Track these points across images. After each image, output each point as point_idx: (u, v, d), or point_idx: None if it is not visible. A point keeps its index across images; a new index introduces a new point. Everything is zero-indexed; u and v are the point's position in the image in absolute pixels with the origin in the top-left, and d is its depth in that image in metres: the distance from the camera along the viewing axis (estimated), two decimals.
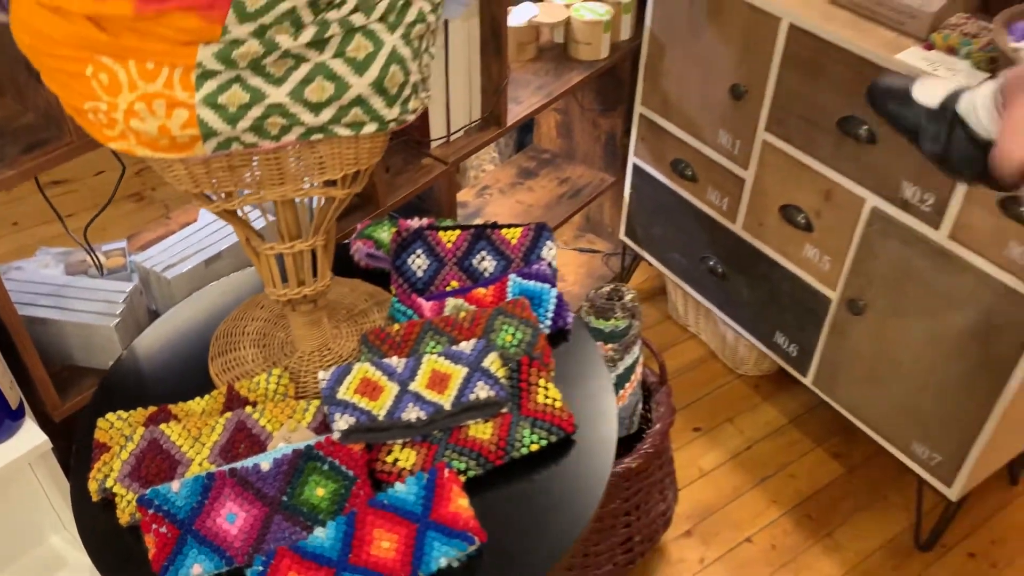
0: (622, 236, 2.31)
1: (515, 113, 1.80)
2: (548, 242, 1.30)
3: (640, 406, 1.73)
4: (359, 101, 0.85)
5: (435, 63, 1.60)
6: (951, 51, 1.46)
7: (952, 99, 0.88)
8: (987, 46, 1.43)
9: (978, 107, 0.86)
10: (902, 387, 1.70)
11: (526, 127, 2.47)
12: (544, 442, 1.04)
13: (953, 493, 1.70)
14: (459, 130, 1.71)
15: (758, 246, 1.89)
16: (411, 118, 0.91)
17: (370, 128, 0.87)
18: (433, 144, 1.69)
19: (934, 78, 0.89)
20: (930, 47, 1.48)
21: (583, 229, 2.59)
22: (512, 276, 1.23)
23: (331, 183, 0.94)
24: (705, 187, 1.96)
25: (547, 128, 2.39)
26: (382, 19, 0.84)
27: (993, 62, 1.41)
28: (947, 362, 1.59)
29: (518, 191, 2.28)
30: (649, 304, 2.44)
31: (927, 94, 0.90)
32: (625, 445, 1.69)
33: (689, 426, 2.10)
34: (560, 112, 2.31)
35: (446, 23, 1.56)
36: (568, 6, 1.96)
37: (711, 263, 2.03)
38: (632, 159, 2.15)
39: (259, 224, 1.50)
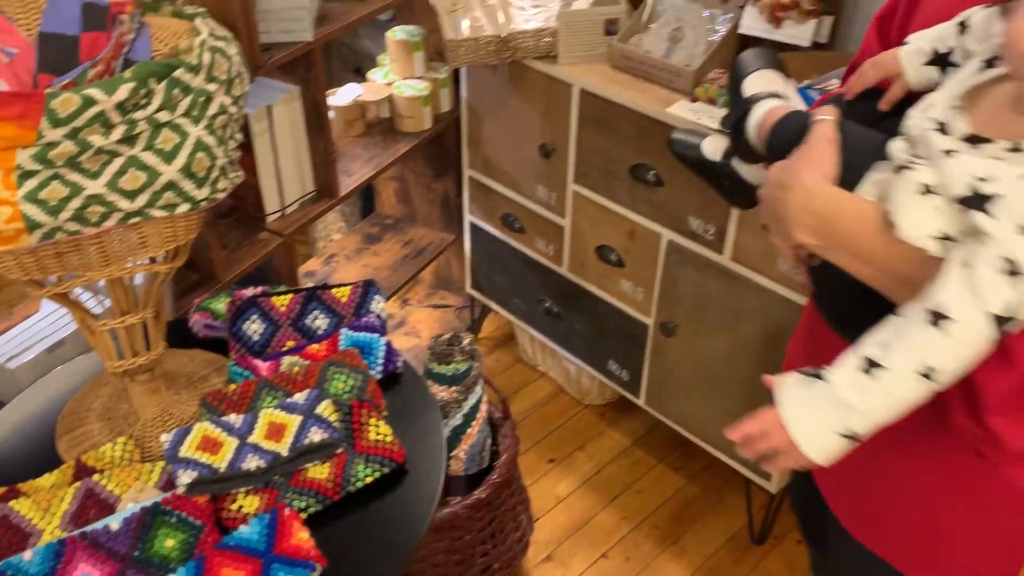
0: (468, 289, 2.48)
1: (347, 184, 1.94)
2: (376, 296, 1.43)
3: (488, 441, 1.87)
4: (171, 186, 0.97)
5: (263, 144, 1.73)
6: (711, 102, 1.70)
7: (758, 97, 1.06)
8: None
9: (758, 112, 1.03)
10: (717, 396, 1.91)
11: (369, 196, 2.62)
12: (377, 474, 1.16)
13: (773, 486, 1.91)
14: (293, 203, 1.84)
15: (583, 285, 2.08)
16: (221, 196, 1.03)
17: (183, 208, 0.99)
18: (269, 218, 1.81)
19: (771, 77, 1.09)
20: (694, 100, 1.73)
21: (435, 287, 2.74)
22: (344, 330, 1.36)
23: (153, 259, 1.05)
24: (533, 237, 2.15)
25: (387, 195, 2.54)
26: (186, 114, 0.96)
27: None
28: (748, 369, 1.81)
29: (364, 256, 2.41)
30: (502, 350, 2.60)
31: (753, 85, 1.08)
32: (478, 479, 1.82)
33: (544, 458, 2.25)
34: (396, 180, 2.47)
35: (269, 108, 1.69)
36: (390, 84, 2.13)
37: (547, 304, 2.21)
38: (467, 217, 2.33)
39: (97, 309, 1.56)
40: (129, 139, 0.93)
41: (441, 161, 2.34)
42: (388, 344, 1.35)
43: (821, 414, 0.79)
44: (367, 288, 1.43)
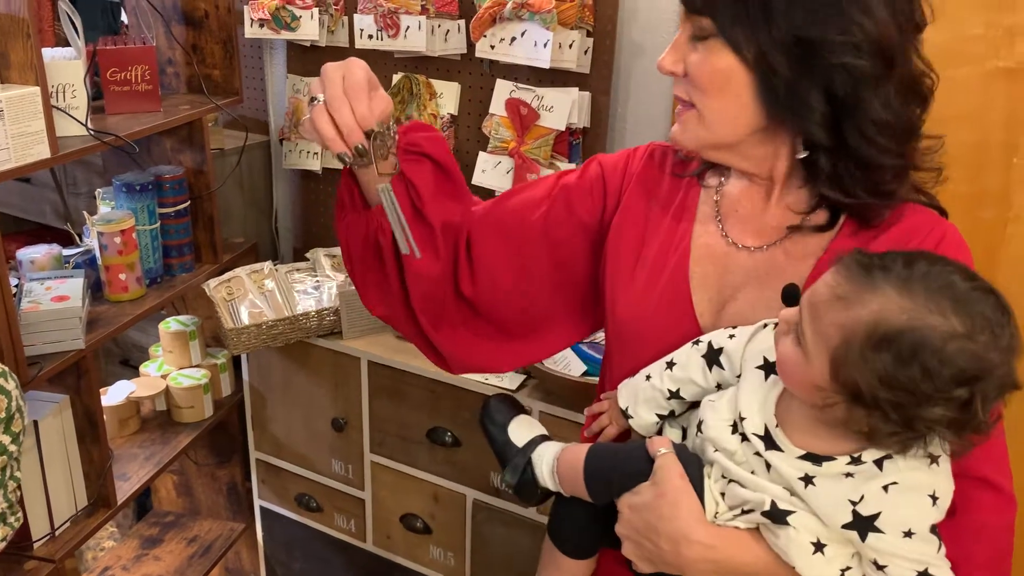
0: None
1: (125, 490, 1.79)
2: None
3: None
4: None
5: (29, 461, 1.57)
6: None
7: (533, 444, 1.04)
8: None
9: (544, 461, 1.02)
10: None
11: (144, 494, 2.41)
12: None
13: None
14: (65, 522, 1.66)
15: (390, 557, 2.01)
16: (1, 547, 0.92)
17: None
18: (36, 544, 1.61)
19: (529, 420, 1.09)
20: None
21: None
22: None
23: None
24: (331, 514, 2.08)
25: (165, 491, 2.36)
26: None
27: None
28: None
29: (145, 563, 2.18)
30: None
31: (518, 434, 1.06)
32: None
33: None
34: (176, 473, 2.32)
35: (36, 423, 1.56)
36: (165, 376, 2.05)
37: None
38: (257, 502, 2.20)
39: None
40: None
41: (225, 447, 2.24)
42: None
43: None
44: None
